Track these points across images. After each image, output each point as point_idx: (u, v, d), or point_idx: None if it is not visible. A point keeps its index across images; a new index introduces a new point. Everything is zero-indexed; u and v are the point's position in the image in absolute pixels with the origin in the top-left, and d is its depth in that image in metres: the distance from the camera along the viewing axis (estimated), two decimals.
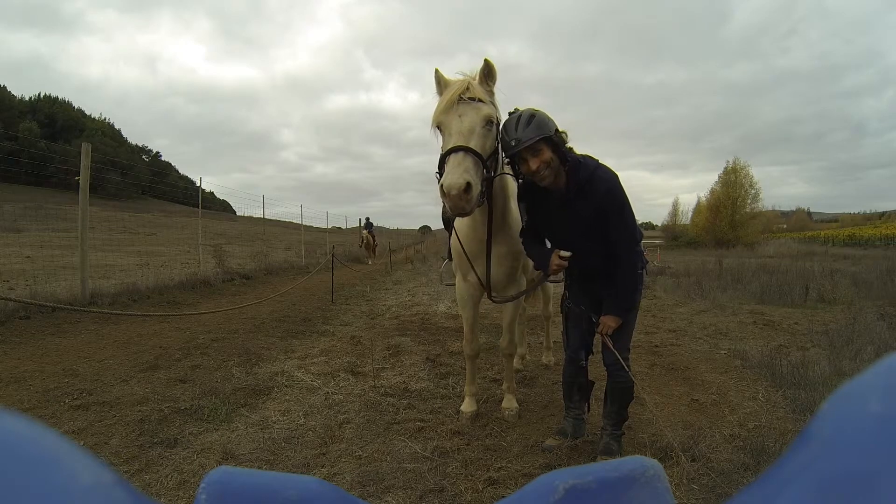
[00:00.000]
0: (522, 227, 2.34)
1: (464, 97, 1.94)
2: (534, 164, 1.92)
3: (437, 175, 1.92)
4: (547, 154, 1.93)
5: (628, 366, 2.17)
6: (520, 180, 2.16)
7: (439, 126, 1.98)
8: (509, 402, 2.78)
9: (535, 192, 2.15)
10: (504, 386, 2.87)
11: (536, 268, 2.43)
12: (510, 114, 2.02)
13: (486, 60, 2.03)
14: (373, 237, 17.56)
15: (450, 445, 2.39)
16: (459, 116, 1.92)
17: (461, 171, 1.79)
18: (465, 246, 2.43)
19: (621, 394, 2.22)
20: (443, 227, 3.06)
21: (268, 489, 0.22)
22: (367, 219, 18.24)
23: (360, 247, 17.10)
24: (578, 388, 2.39)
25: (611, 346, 2.12)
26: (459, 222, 2.49)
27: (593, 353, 2.40)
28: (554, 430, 2.45)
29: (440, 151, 1.94)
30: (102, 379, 3.34)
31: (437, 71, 2.06)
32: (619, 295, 2.12)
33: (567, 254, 2.08)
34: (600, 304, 2.23)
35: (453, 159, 1.84)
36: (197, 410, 2.80)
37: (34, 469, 0.16)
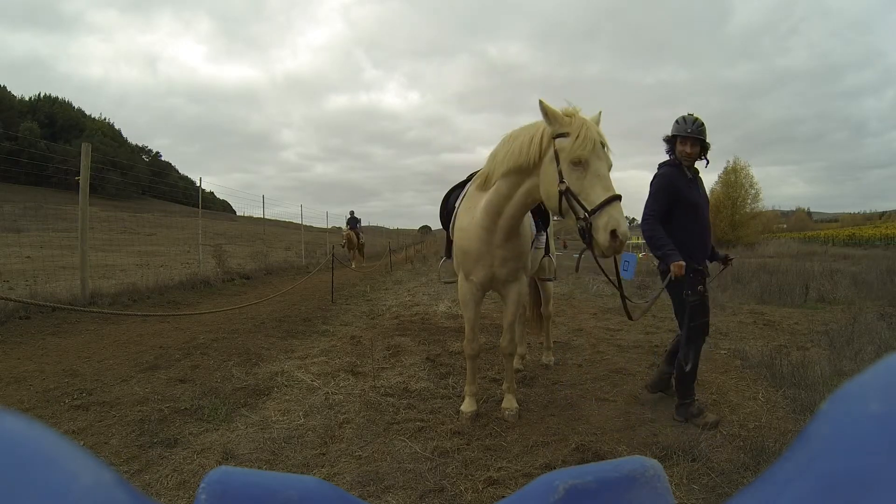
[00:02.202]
0: (651, 214, 2.63)
1: (604, 143, 2.06)
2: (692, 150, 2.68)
3: (569, 197, 1.99)
4: (697, 149, 2.69)
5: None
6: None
7: (580, 160, 1.99)
8: (509, 402, 2.77)
9: (682, 178, 2.69)
10: (504, 386, 2.87)
11: (659, 255, 2.64)
12: (689, 115, 2.70)
13: (599, 113, 2.20)
14: (358, 235, 15.06)
15: (450, 445, 2.39)
16: (606, 163, 2.04)
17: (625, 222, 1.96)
18: (474, 247, 2.49)
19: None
20: (441, 226, 3.09)
21: (268, 489, 0.22)
22: (352, 212, 15.53)
23: (342, 246, 14.25)
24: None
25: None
26: (469, 225, 2.54)
27: None
28: (698, 410, 2.63)
29: (564, 172, 2.01)
30: (102, 379, 3.34)
31: (542, 102, 2.08)
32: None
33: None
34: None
35: (620, 208, 1.95)
36: (197, 410, 2.80)
37: (34, 469, 0.16)
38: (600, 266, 2.44)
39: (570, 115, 2.07)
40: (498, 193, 2.34)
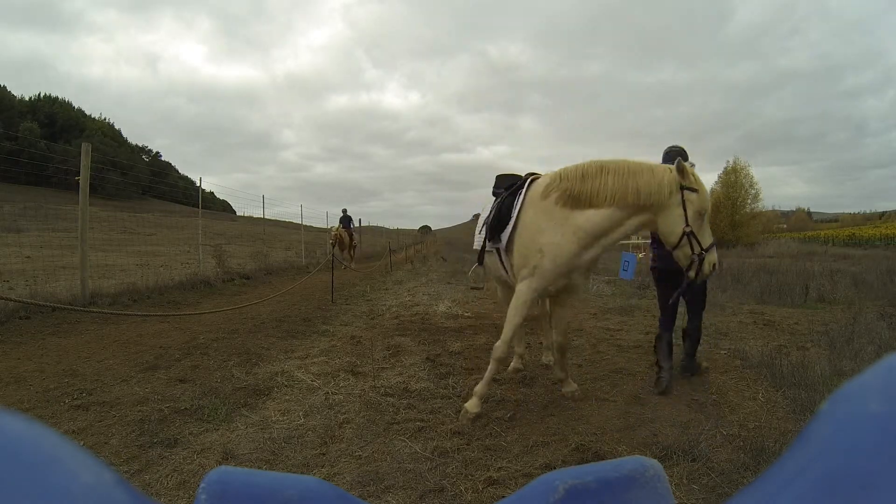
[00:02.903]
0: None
1: None
2: None
3: (690, 237, 2.52)
4: None
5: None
6: None
7: (703, 213, 2.56)
8: (570, 386, 3.09)
9: None
10: (562, 375, 3.13)
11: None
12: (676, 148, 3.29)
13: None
14: (350, 235, 14.11)
15: (450, 445, 2.39)
16: None
17: None
18: (566, 262, 2.66)
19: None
20: (491, 235, 3.12)
21: (268, 489, 0.22)
22: (344, 210, 14.73)
23: (332, 245, 12.28)
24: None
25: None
26: (563, 241, 2.65)
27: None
28: (697, 364, 3.44)
29: (691, 218, 2.52)
30: (102, 379, 3.34)
31: (681, 163, 2.54)
32: None
33: None
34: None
35: (716, 249, 2.64)
36: (197, 410, 2.80)
37: (34, 469, 0.16)
38: (685, 288, 2.93)
39: (694, 176, 2.56)
40: (611, 219, 2.60)
